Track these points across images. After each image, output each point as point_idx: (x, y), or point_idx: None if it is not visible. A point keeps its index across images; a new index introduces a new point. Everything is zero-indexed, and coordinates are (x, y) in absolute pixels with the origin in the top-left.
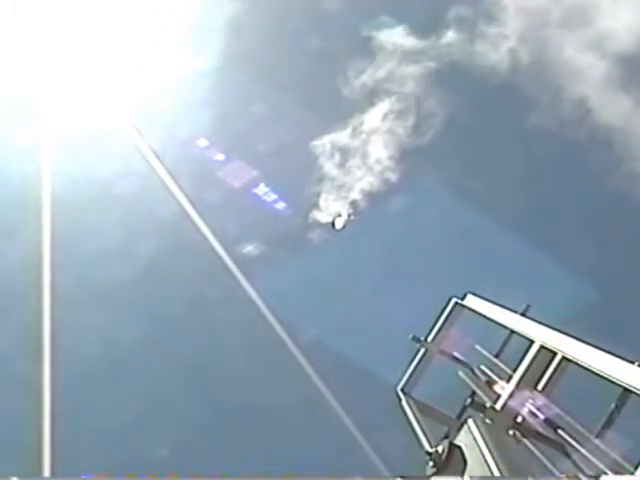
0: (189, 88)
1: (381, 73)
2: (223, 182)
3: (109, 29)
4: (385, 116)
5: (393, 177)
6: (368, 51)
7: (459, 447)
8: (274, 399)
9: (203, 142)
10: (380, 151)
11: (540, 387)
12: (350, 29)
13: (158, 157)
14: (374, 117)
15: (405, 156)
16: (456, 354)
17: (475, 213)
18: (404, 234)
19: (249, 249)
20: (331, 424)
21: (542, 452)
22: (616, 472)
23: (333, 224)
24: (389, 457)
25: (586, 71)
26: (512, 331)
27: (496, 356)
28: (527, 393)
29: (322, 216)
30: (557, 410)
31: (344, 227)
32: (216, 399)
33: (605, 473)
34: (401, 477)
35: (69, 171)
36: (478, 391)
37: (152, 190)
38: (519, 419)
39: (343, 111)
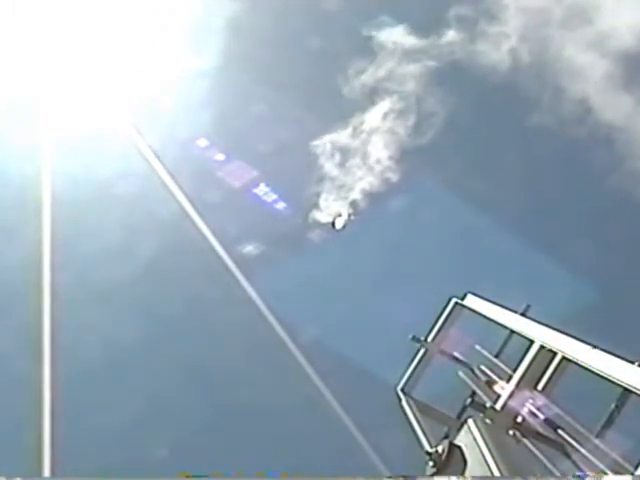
0: (189, 88)
1: (381, 72)
2: (223, 182)
3: (109, 29)
4: (385, 115)
5: (393, 177)
6: (368, 50)
7: (459, 447)
8: (274, 399)
9: (203, 142)
10: (380, 151)
11: (540, 387)
12: (350, 29)
13: (158, 157)
14: (374, 117)
15: (405, 156)
16: (456, 354)
17: (475, 213)
18: (404, 234)
19: (249, 249)
20: (331, 424)
21: (542, 452)
22: (616, 472)
23: (333, 224)
24: (389, 457)
25: (587, 70)
26: (512, 331)
27: (496, 356)
28: (527, 393)
29: (322, 216)
30: (557, 410)
31: (344, 227)
32: (216, 399)
33: (605, 473)
34: (401, 477)
35: (69, 171)
36: (478, 391)
37: (152, 190)
38: (519, 419)
39: (343, 111)
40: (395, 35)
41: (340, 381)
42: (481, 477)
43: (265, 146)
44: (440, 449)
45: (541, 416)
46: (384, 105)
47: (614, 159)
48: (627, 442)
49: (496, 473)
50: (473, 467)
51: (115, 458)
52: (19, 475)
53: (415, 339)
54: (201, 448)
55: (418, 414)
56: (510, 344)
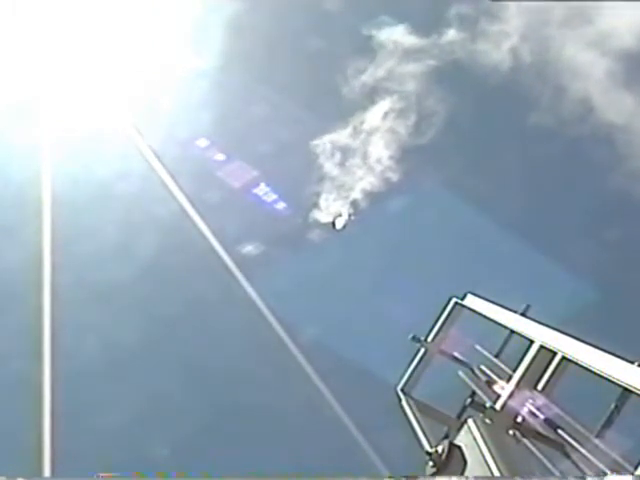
0: (189, 88)
1: (382, 72)
2: (223, 182)
3: (109, 29)
4: (386, 115)
5: (394, 177)
6: (369, 50)
7: (459, 447)
8: (274, 399)
9: (203, 142)
10: (381, 150)
11: (540, 387)
12: (350, 28)
13: (158, 157)
14: (375, 116)
15: (406, 155)
16: (456, 354)
17: (475, 213)
18: (404, 234)
19: (249, 249)
20: (331, 424)
21: (542, 452)
22: (616, 472)
23: (333, 224)
24: (389, 457)
25: (588, 69)
26: (512, 331)
27: (496, 356)
28: (527, 393)
29: (322, 216)
30: (557, 410)
31: (344, 227)
32: (216, 399)
33: (605, 473)
34: (401, 477)
35: (69, 171)
36: (478, 391)
37: (152, 190)
38: (519, 419)
39: (343, 110)
40: (395, 34)
41: (340, 381)
42: (481, 477)
43: (265, 146)
44: (440, 449)
45: (541, 416)
46: (384, 105)
47: (615, 158)
48: (627, 442)
49: (496, 473)
50: (473, 467)
51: (115, 458)
52: (19, 475)
53: (415, 339)
54: (201, 448)
55: (418, 414)
56: (510, 344)
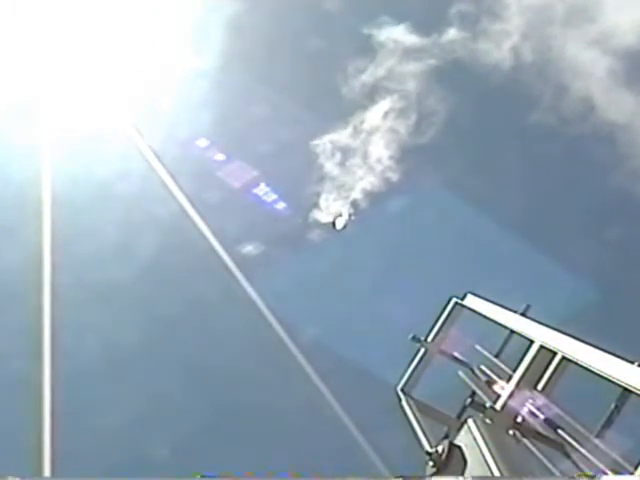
0: (189, 88)
1: (382, 71)
2: (223, 182)
3: (109, 29)
4: (386, 115)
5: (394, 177)
6: (369, 49)
7: (459, 447)
8: (274, 399)
9: (203, 142)
10: (381, 150)
11: (540, 387)
12: (351, 27)
13: (158, 157)
14: (375, 116)
15: (406, 155)
16: (456, 354)
17: (476, 213)
18: (404, 234)
19: (249, 249)
20: (331, 424)
21: (542, 452)
22: (616, 472)
23: (333, 224)
24: (389, 457)
25: (589, 68)
26: (512, 331)
27: (496, 356)
28: (527, 393)
29: (322, 216)
30: (557, 410)
31: (345, 227)
32: (216, 399)
33: (605, 473)
34: (401, 477)
35: (69, 171)
36: (478, 391)
37: (152, 190)
38: (519, 419)
39: (343, 110)
40: (395, 33)
41: (340, 381)
42: (481, 477)
43: (265, 146)
44: (440, 449)
45: (541, 416)
46: (384, 104)
47: (616, 158)
48: (627, 442)
49: (496, 473)
50: (473, 467)
51: (115, 458)
52: (19, 475)
53: (415, 339)
54: (201, 448)
55: (418, 414)
56: (510, 344)
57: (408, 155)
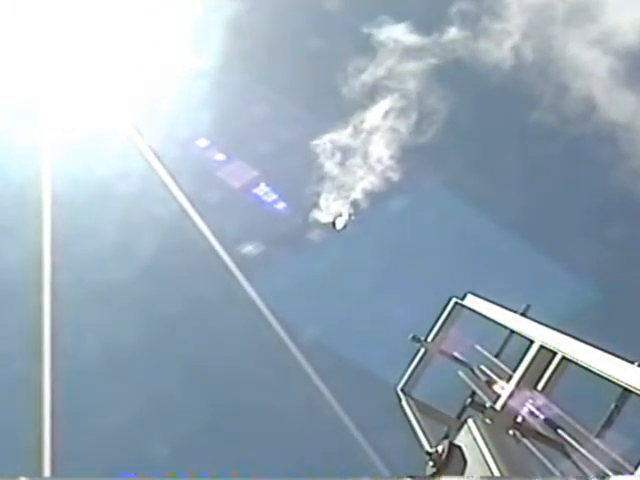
0: (189, 88)
1: (382, 71)
2: (223, 182)
3: (109, 29)
4: (386, 114)
5: (394, 176)
6: (369, 49)
7: (459, 447)
8: (274, 399)
9: (203, 142)
10: (381, 150)
11: (540, 387)
12: (351, 26)
13: (158, 157)
14: (375, 115)
15: (406, 155)
16: (456, 354)
17: (476, 213)
18: (404, 234)
19: (249, 249)
20: (331, 424)
21: (542, 452)
22: (616, 472)
23: (334, 224)
24: (389, 457)
25: (590, 67)
26: (512, 331)
27: (496, 356)
28: (527, 393)
29: (322, 216)
30: (557, 410)
31: (345, 227)
32: (216, 399)
33: (605, 473)
34: (401, 477)
35: (69, 171)
36: (478, 391)
37: (152, 190)
38: (519, 419)
39: (344, 110)
40: (396, 32)
41: (340, 381)
42: (481, 477)
43: (265, 146)
44: (440, 449)
45: (541, 416)
46: (385, 104)
47: (617, 157)
48: (627, 442)
49: (496, 473)
50: (473, 467)
51: (115, 458)
52: (19, 475)
53: (415, 339)
54: (201, 448)
55: (418, 414)
56: (510, 344)
57: (408, 155)
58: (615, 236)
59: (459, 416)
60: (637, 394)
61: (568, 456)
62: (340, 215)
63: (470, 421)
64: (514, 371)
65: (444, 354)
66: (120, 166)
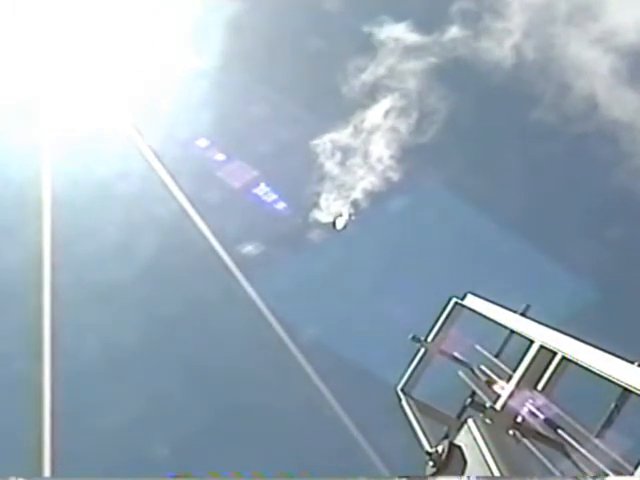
0: (189, 88)
1: (382, 70)
2: (223, 182)
3: (109, 29)
4: (387, 113)
5: (395, 176)
6: (369, 48)
7: (459, 447)
8: (274, 399)
9: (203, 142)
10: (381, 150)
11: (540, 387)
12: (351, 26)
13: (158, 157)
14: (375, 115)
15: (407, 155)
16: (456, 354)
17: (476, 213)
18: (405, 234)
19: (249, 249)
20: (331, 424)
21: (542, 452)
22: (616, 472)
23: (334, 224)
24: (389, 457)
25: (592, 66)
26: (512, 331)
27: (496, 356)
28: (527, 393)
29: (323, 216)
30: (557, 410)
31: (345, 227)
32: (216, 399)
33: (605, 473)
34: (401, 477)
35: (69, 171)
36: (478, 391)
37: (152, 190)
38: (519, 419)
39: (344, 109)
40: (396, 31)
41: (340, 381)
42: (481, 477)
43: (265, 146)
44: (440, 449)
45: (541, 416)
46: (385, 103)
47: (619, 156)
48: (627, 442)
49: (496, 473)
50: (473, 467)
51: (115, 458)
52: (19, 475)
53: (415, 339)
54: (201, 448)
55: (418, 414)
56: (510, 344)
57: (409, 154)
58: (615, 236)
59: (459, 416)
60: (637, 394)
61: (568, 456)
62: (340, 215)
63: (470, 421)
64: (514, 371)
65: (444, 354)
66: (120, 166)
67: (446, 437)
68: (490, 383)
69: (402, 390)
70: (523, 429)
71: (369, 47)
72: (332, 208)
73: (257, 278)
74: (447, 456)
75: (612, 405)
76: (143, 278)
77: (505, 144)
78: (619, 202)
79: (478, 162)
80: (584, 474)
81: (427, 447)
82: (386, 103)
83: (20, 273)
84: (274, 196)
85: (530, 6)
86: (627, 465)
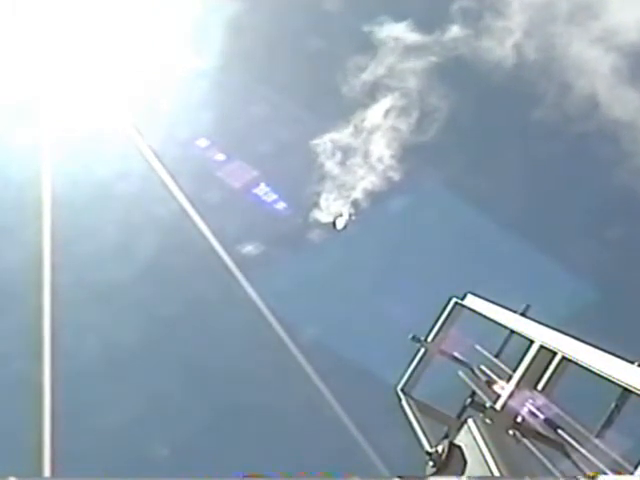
0: (189, 88)
1: (383, 69)
2: (223, 182)
3: (109, 29)
4: (387, 113)
5: (395, 176)
6: (370, 47)
7: (459, 447)
8: (274, 399)
9: (203, 142)
10: (382, 149)
11: (540, 387)
12: (351, 25)
13: (158, 157)
14: (376, 114)
15: (407, 154)
16: (456, 354)
17: (476, 213)
18: (405, 234)
19: (249, 249)
20: (331, 424)
21: (542, 452)
22: (616, 472)
23: (334, 224)
24: (389, 457)
25: (593, 66)
26: (512, 331)
27: (496, 356)
28: (527, 393)
29: (323, 216)
30: (557, 410)
31: (345, 227)
32: (216, 399)
33: (605, 473)
34: (401, 477)
35: (69, 171)
36: (478, 391)
37: (152, 190)
38: (519, 419)
39: (344, 109)
40: (396, 31)
41: (340, 381)
42: (481, 477)
43: (265, 146)
44: (440, 449)
45: (541, 416)
46: (386, 102)
47: (620, 155)
48: (627, 442)
49: (496, 473)
50: (473, 467)
51: (115, 458)
52: (19, 475)
53: (415, 339)
54: (201, 448)
55: (418, 414)
56: (510, 344)
57: (409, 154)
58: (615, 236)
59: (459, 416)
60: (637, 394)
61: (568, 456)
62: (340, 215)
63: (470, 421)
64: (514, 371)
65: (444, 354)
66: (120, 166)
67: (446, 437)
68: (490, 383)
69: (402, 390)
70: (523, 429)
71: (369, 46)
72: (332, 208)
73: (257, 278)
74: (447, 456)
75: (612, 405)
76: (143, 278)
77: (506, 144)
78: (620, 202)
79: (479, 162)
80: (584, 474)
81: (427, 447)
82: (386, 102)
83: (20, 273)
84: (274, 196)
85: (531, 5)
86: (627, 465)
